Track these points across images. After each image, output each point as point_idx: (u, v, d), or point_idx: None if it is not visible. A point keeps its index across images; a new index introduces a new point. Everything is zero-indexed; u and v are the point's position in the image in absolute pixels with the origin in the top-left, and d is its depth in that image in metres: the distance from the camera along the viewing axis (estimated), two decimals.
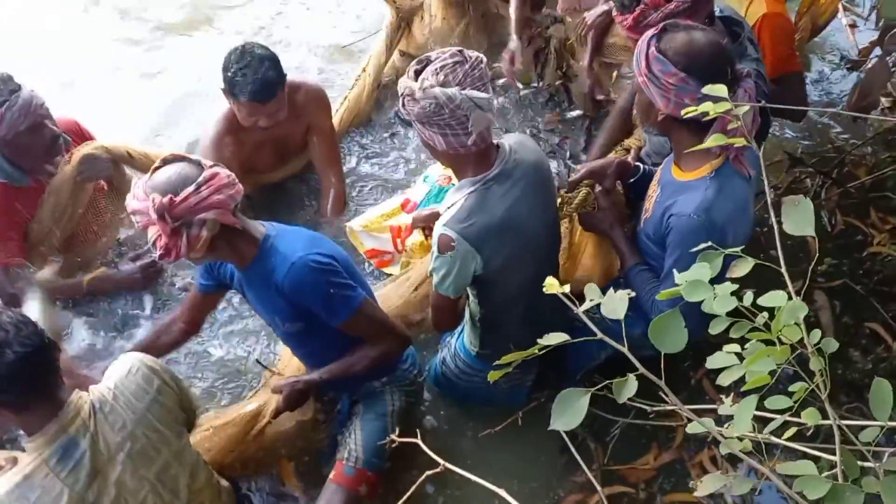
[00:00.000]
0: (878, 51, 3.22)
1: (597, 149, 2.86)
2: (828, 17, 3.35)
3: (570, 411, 0.92)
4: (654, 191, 2.23)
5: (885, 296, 2.86)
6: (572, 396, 0.93)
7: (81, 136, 3.04)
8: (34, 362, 1.73)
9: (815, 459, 0.97)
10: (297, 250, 2.07)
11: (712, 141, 1.14)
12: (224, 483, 2.22)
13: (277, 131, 3.00)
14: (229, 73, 2.76)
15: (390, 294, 2.67)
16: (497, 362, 1.06)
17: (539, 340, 1.01)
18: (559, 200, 2.40)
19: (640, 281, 2.21)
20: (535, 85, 3.74)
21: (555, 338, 0.99)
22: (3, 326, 1.70)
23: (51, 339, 1.80)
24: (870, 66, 3.23)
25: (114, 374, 1.94)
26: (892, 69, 3.37)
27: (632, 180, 2.43)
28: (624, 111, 2.82)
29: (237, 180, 2.01)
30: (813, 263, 2.93)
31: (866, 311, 2.83)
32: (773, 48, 2.59)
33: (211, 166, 1.97)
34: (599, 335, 0.99)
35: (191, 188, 1.89)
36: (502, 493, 1.29)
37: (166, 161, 2.00)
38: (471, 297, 2.33)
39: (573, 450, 1.22)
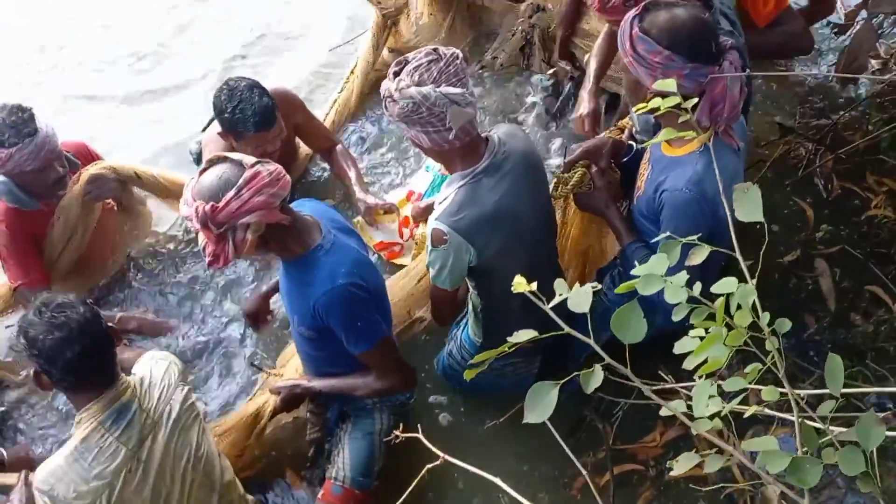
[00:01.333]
0: (864, 14, 3.21)
1: (592, 78, 2.88)
2: None
3: (541, 404, 0.97)
4: (645, 168, 2.26)
5: (883, 258, 2.87)
6: (543, 390, 0.98)
7: (89, 157, 3.11)
8: (94, 355, 1.89)
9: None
10: (340, 275, 2.09)
11: (663, 135, 1.17)
12: (249, 498, 2.32)
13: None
14: (227, 115, 2.79)
15: (393, 287, 2.71)
16: (471, 361, 1.11)
17: (508, 338, 1.06)
18: (554, 181, 2.45)
19: (638, 258, 2.22)
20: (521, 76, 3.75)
21: (524, 335, 1.03)
22: (69, 323, 1.85)
23: (110, 330, 1.96)
24: (856, 29, 3.23)
25: (146, 362, 2.11)
26: (879, 31, 3.36)
27: (625, 159, 2.46)
28: (610, 34, 2.76)
29: (283, 174, 1.99)
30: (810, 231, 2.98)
31: (866, 274, 2.84)
32: None
33: (253, 164, 1.96)
34: (566, 329, 1.03)
35: (231, 193, 1.90)
36: (497, 481, 1.34)
37: (212, 162, 2.00)
38: (471, 289, 2.38)
39: (560, 441, 1.26)
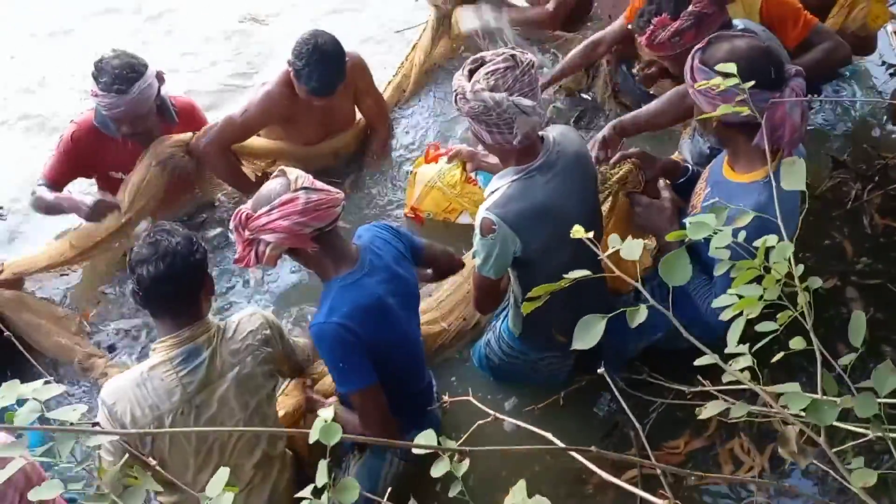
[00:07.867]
0: None
1: (557, 72, 3.39)
2: (878, 25, 3.38)
3: (588, 333, 1.08)
4: (702, 188, 2.35)
5: None
6: (591, 321, 1.10)
7: (193, 120, 3.35)
8: (170, 280, 2.01)
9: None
10: (337, 313, 2.12)
11: (722, 110, 1.28)
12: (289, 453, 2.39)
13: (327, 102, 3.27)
14: (299, 65, 3.02)
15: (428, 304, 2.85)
16: (529, 294, 1.23)
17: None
18: (601, 177, 2.48)
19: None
20: (586, 96, 3.84)
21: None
22: (160, 242, 2.02)
23: (202, 258, 2.09)
24: None
25: (239, 315, 2.23)
26: None
27: (681, 180, 2.55)
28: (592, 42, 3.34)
29: (326, 204, 2.07)
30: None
31: None
32: (793, 18, 2.74)
33: (297, 188, 2.05)
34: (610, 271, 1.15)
35: (265, 209, 2.04)
36: (549, 436, 1.30)
37: (278, 173, 2.15)
38: (513, 280, 2.48)
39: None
